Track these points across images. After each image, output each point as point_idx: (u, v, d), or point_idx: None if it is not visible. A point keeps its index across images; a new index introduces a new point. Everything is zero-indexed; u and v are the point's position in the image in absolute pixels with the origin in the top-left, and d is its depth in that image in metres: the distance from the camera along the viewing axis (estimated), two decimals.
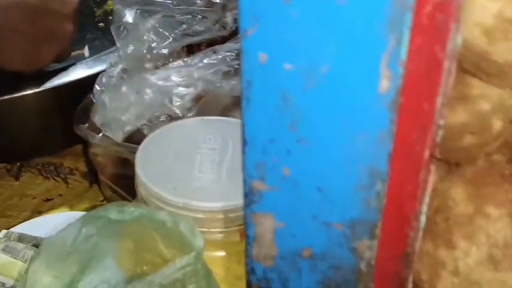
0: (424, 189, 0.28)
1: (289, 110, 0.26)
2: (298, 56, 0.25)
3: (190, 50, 0.70)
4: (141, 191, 0.49)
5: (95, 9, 0.96)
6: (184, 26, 0.67)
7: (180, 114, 0.55)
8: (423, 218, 0.29)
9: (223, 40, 0.72)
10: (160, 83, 0.56)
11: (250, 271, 0.33)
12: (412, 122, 0.26)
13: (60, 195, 0.77)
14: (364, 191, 0.28)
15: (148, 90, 0.56)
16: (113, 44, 0.86)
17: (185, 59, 0.58)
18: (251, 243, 0.31)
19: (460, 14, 0.22)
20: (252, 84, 0.26)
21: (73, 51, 0.87)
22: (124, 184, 0.69)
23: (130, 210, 0.44)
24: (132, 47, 0.63)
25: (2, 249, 0.56)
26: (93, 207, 0.75)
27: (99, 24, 0.92)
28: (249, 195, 0.29)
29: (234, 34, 0.72)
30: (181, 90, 0.55)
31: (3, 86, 0.68)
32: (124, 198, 0.69)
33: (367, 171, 0.27)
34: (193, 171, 0.48)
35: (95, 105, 0.60)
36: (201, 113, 0.58)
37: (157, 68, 0.65)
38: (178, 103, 0.55)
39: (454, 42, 0.23)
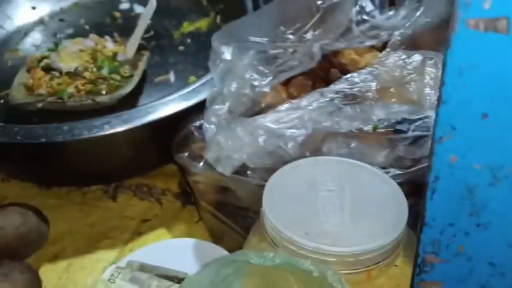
0: None
1: (473, 200, 0.30)
2: (488, 159, 0.28)
3: (285, 84, 0.74)
4: (270, 233, 0.53)
5: (172, 31, 1.00)
6: (279, 61, 0.71)
7: (293, 155, 0.59)
8: None
9: (311, 71, 0.76)
10: (272, 125, 0.59)
11: None
12: None
13: (156, 215, 0.82)
14: None
15: (261, 133, 0.60)
16: (195, 67, 0.91)
17: (293, 101, 0.62)
18: None
19: None
20: (440, 179, 0.30)
21: (158, 75, 0.91)
22: (225, 210, 0.73)
23: (271, 256, 0.48)
24: (236, 85, 0.67)
25: (130, 280, 0.61)
26: (190, 228, 0.80)
27: (179, 48, 0.96)
28: (421, 265, 0.33)
29: (322, 63, 0.75)
30: (294, 132, 0.59)
31: (109, 122, 0.72)
32: (224, 223, 0.73)
33: None
34: (318, 215, 0.52)
35: (208, 143, 0.64)
36: (307, 150, 0.62)
37: (257, 105, 0.69)
38: (290, 145, 0.59)
39: None
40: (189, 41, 0.97)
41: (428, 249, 0.32)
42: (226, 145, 0.62)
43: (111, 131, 0.72)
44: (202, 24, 0.99)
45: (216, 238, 0.76)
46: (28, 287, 0.68)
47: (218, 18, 1.00)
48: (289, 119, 0.59)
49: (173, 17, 1.02)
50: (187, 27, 0.99)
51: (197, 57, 0.94)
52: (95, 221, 0.81)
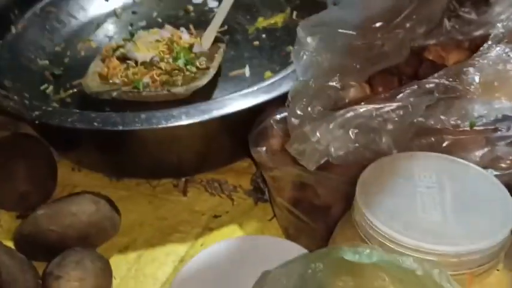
0: None
1: None
2: None
3: (369, 80, 0.70)
4: (364, 229, 0.50)
5: (246, 26, 0.98)
6: (366, 54, 0.68)
7: (387, 150, 0.56)
8: None
9: (397, 66, 0.72)
10: (367, 118, 0.56)
11: None
12: None
13: (227, 212, 0.80)
14: None
15: (353, 126, 0.57)
16: (270, 63, 0.89)
17: (389, 94, 0.59)
18: None
19: None
20: None
21: (232, 69, 0.89)
22: (302, 207, 0.70)
23: (367, 252, 0.45)
24: (322, 78, 0.64)
25: None
26: (263, 226, 0.77)
27: (254, 43, 0.94)
28: None
29: (410, 59, 0.72)
30: (389, 125, 0.56)
31: (187, 112, 0.70)
32: (301, 221, 0.70)
33: None
34: (417, 211, 0.49)
35: (294, 135, 0.61)
36: (397, 146, 0.58)
37: (340, 100, 0.66)
38: (384, 139, 0.56)
39: None
40: (264, 36, 0.95)
41: None
42: (313, 138, 0.59)
43: (189, 122, 0.70)
44: (278, 19, 0.97)
45: (291, 236, 0.73)
46: (99, 276, 0.67)
47: (294, 14, 0.98)
48: (383, 112, 0.56)
49: (247, 12, 1.00)
50: (262, 22, 0.97)
51: (272, 52, 0.92)
52: (165, 214, 0.79)
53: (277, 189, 0.71)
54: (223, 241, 0.68)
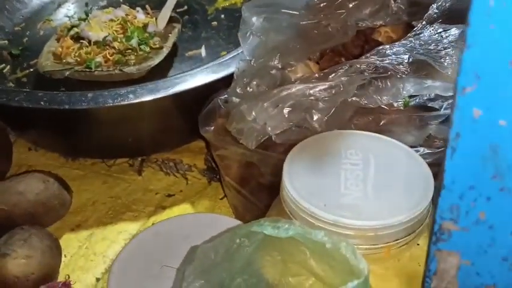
0: None
1: (496, 161, 0.27)
2: None
3: (317, 61, 0.71)
4: (289, 205, 0.51)
5: (206, 6, 0.98)
6: (310, 34, 0.68)
7: (318, 128, 0.56)
8: None
9: (343, 46, 0.73)
10: (299, 97, 0.57)
11: None
12: None
13: (181, 191, 0.80)
14: None
15: (287, 104, 0.57)
16: (227, 43, 0.89)
17: (322, 73, 0.60)
18: (431, 276, 0.33)
19: None
20: (461, 136, 0.27)
21: (189, 50, 0.89)
22: (249, 185, 0.71)
23: (285, 227, 0.46)
24: (265, 58, 0.65)
25: None
26: (214, 205, 0.78)
27: (212, 23, 0.94)
28: (438, 233, 0.31)
29: (355, 40, 0.73)
30: (321, 105, 0.56)
31: (134, 91, 0.70)
32: (247, 199, 0.71)
33: None
34: (339, 187, 0.50)
35: (232, 115, 0.62)
36: (335, 126, 0.59)
37: (286, 79, 0.67)
38: (316, 117, 0.56)
39: None
40: (223, 16, 0.95)
41: (446, 215, 0.29)
42: (250, 116, 0.59)
43: (136, 101, 0.70)
44: (237, 0, 0.97)
45: (240, 215, 0.74)
46: (47, 254, 0.67)
47: None
48: (315, 91, 0.57)
49: None
50: (221, 2, 0.98)
51: (230, 33, 0.92)
52: (119, 193, 0.80)
53: (225, 168, 0.72)
54: (169, 219, 0.69)
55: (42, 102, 0.69)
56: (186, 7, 0.95)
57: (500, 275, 0.31)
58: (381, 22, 0.71)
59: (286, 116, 0.58)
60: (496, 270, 0.31)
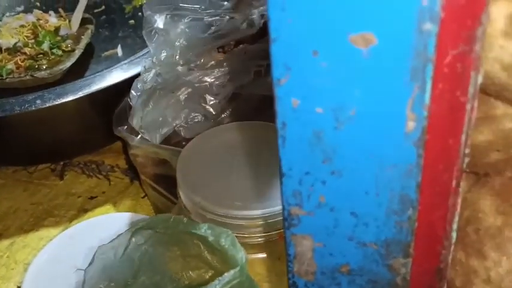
0: (454, 212, 0.30)
1: (322, 146, 0.28)
2: (329, 100, 0.27)
3: (222, 51, 0.71)
4: (183, 199, 0.51)
5: (123, 5, 0.98)
6: (213, 28, 0.69)
7: (214, 114, 0.57)
8: (454, 235, 0.31)
9: (252, 38, 0.74)
10: (194, 83, 0.58)
11: (292, 285, 0.35)
12: (439, 155, 0.27)
13: (104, 192, 0.80)
14: (396, 215, 0.30)
15: (183, 90, 0.58)
16: (144, 41, 0.89)
17: (217, 60, 0.60)
18: (292, 260, 0.34)
19: (478, 63, 0.24)
20: (287, 125, 0.28)
21: (106, 50, 0.89)
22: (164, 182, 0.72)
23: (175, 224, 0.46)
24: (165, 53, 0.65)
25: None
26: (136, 204, 0.78)
27: (130, 22, 0.94)
28: (288, 219, 0.32)
29: (262, 31, 0.74)
30: (215, 90, 0.57)
31: (42, 96, 0.70)
32: (164, 196, 0.72)
33: (398, 199, 0.29)
34: (232, 178, 0.50)
35: (132, 110, 0.62)
36: (234, 112, 0.60)
37: (190, 70, 0.67)
38: (212, 102, 0.57)
39: (474, 87, 0.25)
40: (140, 14, 0.95)
41: (292, 201, 0.30)
42: (147, 108, 0.60)
43: (44, 106, 0.70)
44: None
45: (160, 212, 0.74)
46: None
47: None
48: (211, 77, 0.57)
49: None
50: (139, 0, 0.97)
51: None
52: (40, 199, 0.80)
53: (140, 166, 0.73)
54: (84, 221, 0.69)
55: None
56: (103, 7, 0.94)
57: (350, 254, 0.32)
58: None
59: (183, 103, 0.58)
60: (346, 249, 0.32)
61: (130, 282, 0.52)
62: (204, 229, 0.44)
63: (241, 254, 0.41)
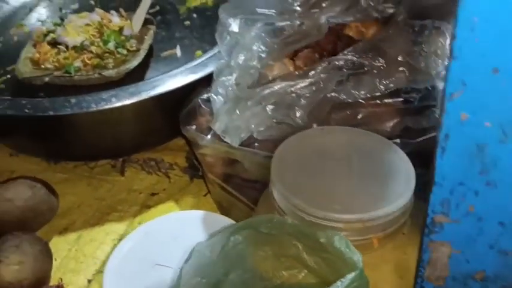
0: None
1: (483, 159, 0.30)
2: (499, 115, 0.29)
3: (292, 58, 0.73)
4: (279, 201, 0.53)
5: (177, 6, 1.00)
6: (285, 33, 0.71)
7: (301, 124, 0.59)
8: None
9: (318, 43, 0.75)
10: (281, 94, 0.60)
11: None
12: None
13: (164, 189, 0.82)
14: None
15: (269, 102, 0.60)
16: (201, 42, 0.91)
17: (302, 71, 0.62)
18: (424, 266, 0.36)
19: None
20: (450, 137, 0.30)
21: (164, 50, 0.91)
22: (232, 182, 0.73)
23: (279, 223, 0.48)
24: (243, 57, 0.67)
25: None
26: (198, 202, 0.80)
27: (185, 23, 0.96)
28: (430, 226, 0.33)
29: (344, 44, 0.75)
30: (302, 100, 0.59)
31: (117, 95, 0.72)
32: (232, 195, 0.73)
33: None
34: (326, 182, 0.52)
35: (216, 114, 0.64)
36: (316, 120, 0.62)
37: (264, 77, 0.69)
38: (299, 114, 0.59)
39: None
40: (194, 15, 0.97)
41: (438, 209, 0.32)
42: (234, 115, 0.62)
43: (118, 104, 0.72)
44: None
45: (224, 210, 0.76)
46: (38, 258, 0.68)
47: None
48: (297, 88, 0.59)
49: None
50: (192, 2, 0.99)
51: (203, 32, 0.94)
52: (103, 194, 0.81)
53: (208, 165, 0.74)
54: (157, 218, 0.70)
55: (26, 110, 0.70)
56: (158, 7, 0.96)
57: (488, 261, 0.34)
58: (351, 19, 0.74)
59: (270, 113, 0.60)
60: (485, 257, 0.34)
61: (221, 279, 0.53)
62: (314, 231, 0.45)
63: (357, 257, 0.43)
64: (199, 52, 0.88)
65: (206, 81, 0.76)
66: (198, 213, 0.72)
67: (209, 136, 0.71)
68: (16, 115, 0.70)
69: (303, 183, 0.52)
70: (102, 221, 0.78)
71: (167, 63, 0.88)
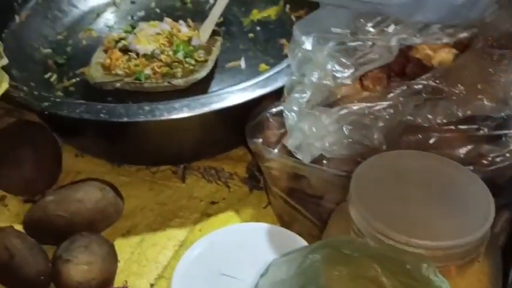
0: None
1: None
2: None
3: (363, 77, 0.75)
4: (357, 220, 0.54)
5: (241, 18, 1.01)
6: (358, 53, 0.72)
7: (378, 146, 0.60)
8: None
9: (387, 65, 0.76)
10: (360, 115, 0.61)
11: None
12: None
13: (224, 198, 0.84)
14: None
15: (347, 122, 0.61)
16: (265, 55, 0.92)
17: (378, 93, 0.63)
18: None
19: None
20: None
21: (228, 61, 0.93)
22: (296, 196, 0.75)
23: (362, 246, 0.49)
24: (317, 75, 0.68)
25: None
26: (258, 213, 0.82)
27: (249, 35, 0.97)
28: None
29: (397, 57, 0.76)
30: (380, 123, 0.60)
31: (189, 105, 0.74)
32: (295, 209, 0.75)
33: None
34: (406, 207, 0.53)
35: (289, 131, 0.65)
36: (387, 142, 0.63)
37: (332, 95, 0.70)
38: (376, 136, 0.60)
39: None
40: (258, 28, 0.98)
41: None
42: (309, 133, 0.63)
43: (189, 114, 0.74)
44: (271, 12, 1.01)
45: (285, 224, 0.78)
46: (106, 259, 0.71)
47: (287, 7, 1.01)
48: (375, 110, 0.61)
49: (242, 4, 1.03)
50: (256, 14, 1.01)
51: (266, 45, 0.95)
52: (165, 199, 0.83)
53: (273, 179, 0.76)
54: (222, 228, 0.72)
55: (101, 115, 0.72)
56: (222, 19, 0.97)
57: None
58: (421, 41, 0.75)
59: (347, 133, 0.61)
60: None
61: None
62: (400, 256, 0.46)
63: (446, 285, 0.44)
64: (263, 65, 0.90)
65: (272, 96, 0.77)
66: (262, 226, 0.73)
67: (276, 150, 0.72)
68: (92, 119, 0.72)
69: (383, 205, 0.53)
70: (163, 226, 0.80)
71: (231, 74, 0.90)
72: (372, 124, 0.61)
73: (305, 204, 0.74)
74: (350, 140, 0.62)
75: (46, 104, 0.74)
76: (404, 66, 0.77)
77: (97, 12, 1.02)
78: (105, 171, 0.86)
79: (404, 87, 0.62)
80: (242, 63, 0.91)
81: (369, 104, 0.62)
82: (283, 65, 0.81)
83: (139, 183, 0.85)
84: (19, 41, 0.90)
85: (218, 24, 0.97)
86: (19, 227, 0.76)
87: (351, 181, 0.56)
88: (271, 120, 0.75)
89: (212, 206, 0.83)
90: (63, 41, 0.97)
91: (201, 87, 0.87)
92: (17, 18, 0.93)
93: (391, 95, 0.62)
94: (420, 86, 0.62)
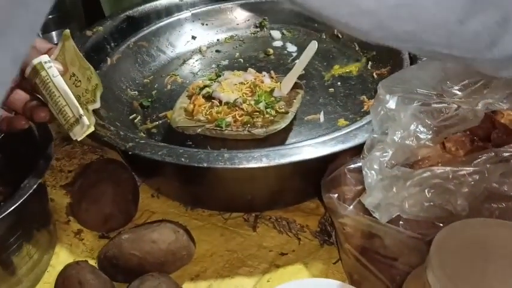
0: None
1: None
2: None
3: (446, 139, 0.74)
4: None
5: (322, 72, 1.02)
6: (442, 115, 0.71)
7: (461, 212, 0.59)
8: None
9: (470, 128, 0.75)
10: (443, 179, 0.60)
11: None
12: None
13: (293, 251, 0.83)
14: None
15: (429, 184, 0.60)
16: (344, 111, 0.93)
17: (463, 158, 0.62)
18: None
19: None
20: None
21: (308, 114, 0.93)
22: (369, 256, 0.73)
23: None
24: (400, 135, 0.68)
25: None
26: (327, 268, 0.81)
27: (329, 90, 0.98)
28: None
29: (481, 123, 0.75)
30: (465, 188, 0.59)
31: (268, 155, 0.75)
32: (367, 269, 0.73)
33: None
34: (490, 279, 0.52)
35: (368, 189, 0.65)
36: (473, 211, 0.62)
37: (413, 156, 0.70)
38: (460, 201, 0.59)
39: None
40: (338, 83, 0.99)
41: None
42: (389, 193, 0.62)
43: (267, 164, 0.74)
44: (353, 68, 1.01)
45: (355, 282, 0.76)
46: None
47: (369, 64, 1.02)
48: (459, 175, 0.60)
49: (324, 59, 1.05)
50: (337, 70, 1.02)
51: (346, 100, 0.96)
52: (234, 247, 0.83)
53: (346, 235, 0.75)
54: (292, 281, 0.72)
55: (182, 159, 0.74)
56: (303, 72, 0.99)
57: None
58: (508, 107, 0.74)
59: (428, 196, 0.60)
60: None
61: None
62: None
63: None
64: (341, 120, 0.90)
65: (350, 152, 0.77)
66: (332, 282, 0.73)
67: (351, 207, 0.72)
68: (174, 163, 0.73)
69: (465, 276, 0.52)
70: (232, 273, 0.80)
71: (309, 127, 0.91)
72: (455, 189, 0.60)
73: (377, 264, 0.73)
74: (431, 203, 0.61)
75: (131, 144, 0.76)
76: (488, 131, 0.76)
77: (183, 58, 1.06)
78: (178, 214, 0.87)
79: (492, 154, 0.61)
80: (321, 116, 0.91)
81: (453, 168, 0.61)
82: (363, 121, 0.81)
83: (210, 228, 0.86)
84: (108, 82, 0.94)
85: (300, 77, 0.98)
86: (92, 262, 0.78)
87: (431, 245, 0.55)
88: (348, 176, 0.75)
89: (281, 257, 0.82)
90: (149, 85, 1.00)
91: (278, 138, 0.88)
92: (109, 61, 0.97)
93: (477, 160, 0.61)
94: (508, 154, 0.61)
